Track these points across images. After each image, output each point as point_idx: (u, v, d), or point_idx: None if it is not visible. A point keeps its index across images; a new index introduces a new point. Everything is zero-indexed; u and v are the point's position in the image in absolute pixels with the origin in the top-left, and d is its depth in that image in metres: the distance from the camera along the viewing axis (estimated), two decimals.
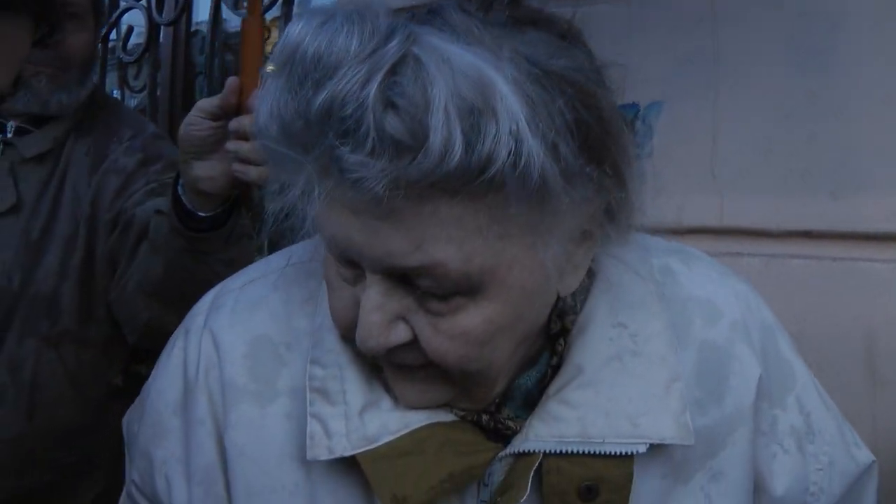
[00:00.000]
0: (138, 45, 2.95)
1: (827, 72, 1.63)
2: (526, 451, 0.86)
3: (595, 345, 0.90)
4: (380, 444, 0.84)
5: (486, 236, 0.74)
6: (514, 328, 0.82)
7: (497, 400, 0.90)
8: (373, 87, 0.66)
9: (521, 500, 0.84)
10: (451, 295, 0.77)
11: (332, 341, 0.89)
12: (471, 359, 0.81)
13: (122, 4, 2.80)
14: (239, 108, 1.40)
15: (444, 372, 0.82)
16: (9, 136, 1.86)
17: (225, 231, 1.54)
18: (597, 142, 0.76)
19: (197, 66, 2.99)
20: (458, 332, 0.79)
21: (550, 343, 0.91)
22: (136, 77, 2.92)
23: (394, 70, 0.67)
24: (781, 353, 1.03)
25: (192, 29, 3.06)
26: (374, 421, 0.86)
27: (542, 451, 0.86)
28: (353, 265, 0.79)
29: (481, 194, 0.71)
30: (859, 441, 1.08)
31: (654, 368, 0.91)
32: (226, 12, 2.97)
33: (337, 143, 0.68)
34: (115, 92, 3.16)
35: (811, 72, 1.64)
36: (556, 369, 0.90)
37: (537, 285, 0.81)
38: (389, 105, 0.66)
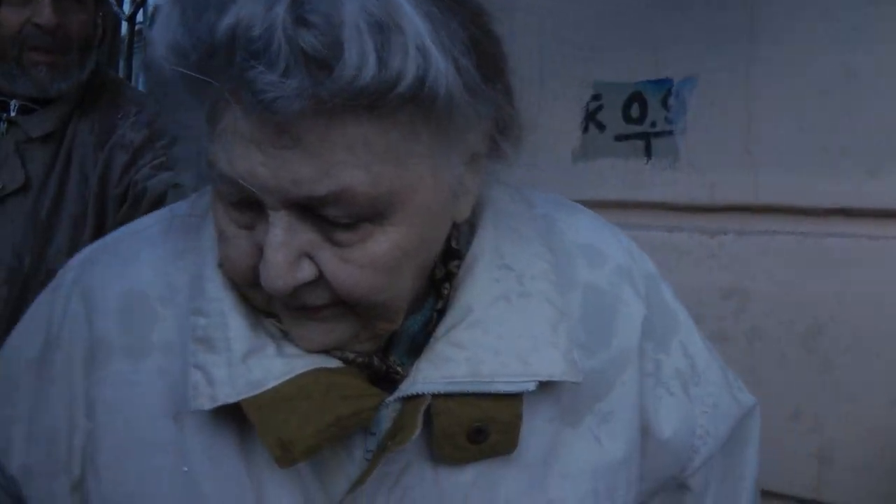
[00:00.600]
0: None
1: (864, 47, 1.61)
2: (414, 393, 0.84)
3: (482, 286, 0.89)
4: (265, 389, 0.82)
5: (393, 158, 0.73)
6: (419, 254, 0.81)
7: (383, 346, 0.89)
8: (281, 7, 0.65)
9: (412, 439, 0.82)
10: (358, 222, 0.75)
11: (213, 289, 0.86)
12: (380, 289, 0.79)
13: None
14: None
15: (347, 309, 0.81)
16: (13, 114, 1.89)
17: None
18: (490, 59, 0.76)
19: None
20: (367, 260, 0.77)
21: (435, 288, 0.90)
22: None
23: None
24: (665, 299, 1.03)
25: None
26: (258, 367, 0.83)
27: (430, 392, 0.84)
28: (250, 207, 0.77)
29: (390, 113, 0.70)
30: (741, 384, 1.09)
31: (541, 308, 0.90)
32: None
33: (249, 64, 0.66)
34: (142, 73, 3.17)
35: (848, 47, 1.62)
36: (442, 314, 0.89)
37: (440, 208, 0.80)
38: (301, 23, 0.65)
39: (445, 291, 0.90)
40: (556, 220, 0.99)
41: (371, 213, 0.75)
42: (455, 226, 0.87)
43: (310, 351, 0.84)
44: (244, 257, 0.80)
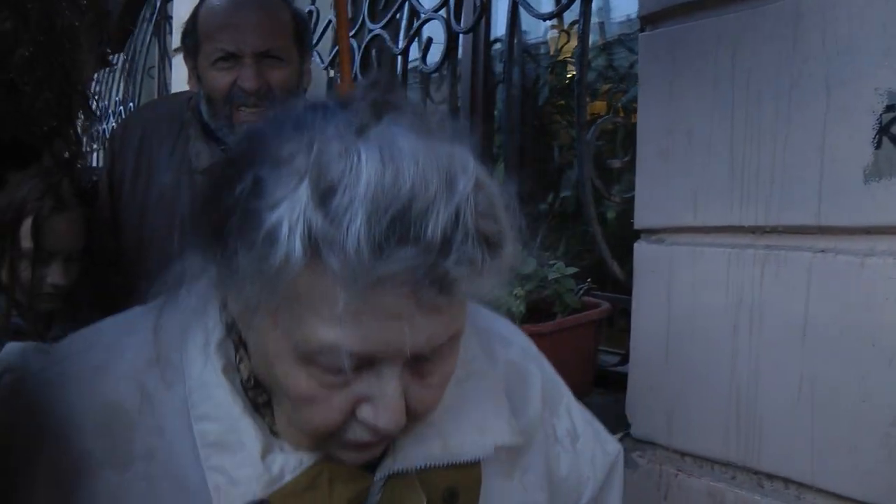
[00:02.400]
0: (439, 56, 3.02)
1: None
2: (398, 470, 1.02)
3: None
4: (285, 481, 0.96)
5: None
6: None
7: None
8: (470, 221, 0.84)
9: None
10: (446, 355, 0.94)
11: (221, 396, 0.98)
12: (439, 399, 0.99)
13: (422, 16, 2.88)
14: None
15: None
16: None
17: None
18: None
19: (496, 75, 3.01)
20: (443, 379, 0.97)
21: None
22: (439, 89, 2.99)
23: (474, 198, 0.85)
24: (551, 373, 1.28)
25: (492, 38, 3.08)
26: (276, 463, 0.97)
27: (413, 468, 1.02)
28: (358, 367, 0.89)
29: None
30: (608, 436, 1.34)
31: (484, 384, 1.12)
32: (525, 20, 2.97)
33: (449, 264, 0.83)
34: None
35: None
36: None
37: None
38: (486, 232, 0.86)
39: None
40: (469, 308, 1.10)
41: (452, 345, 0.94)
42: None
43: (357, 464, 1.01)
44: (337, 414, 0.93)
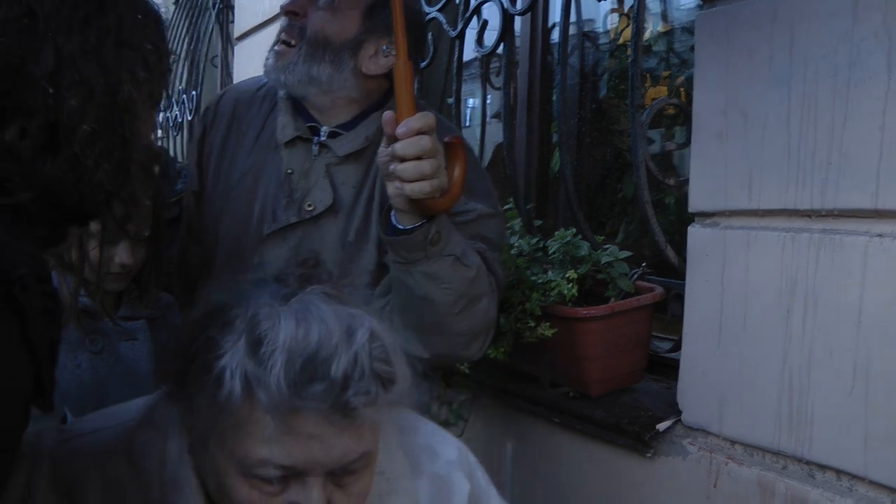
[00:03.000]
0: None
1: None
2: None
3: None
4: None
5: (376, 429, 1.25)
6: None
7: None
8: (365, 363, 1.16)
9: None
10: (361, 470, 1.24)
11: (190, 492, 1.25)
12: None
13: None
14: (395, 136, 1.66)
15: None
16: (323, 138, 2.04)
17: (412, 240, 1.72)
18: None
19: (554, 59, 2.97)
20: (362, 490, 1.27)
21: None
22: (499, 74, 2.96)
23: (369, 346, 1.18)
24: (481, 481, 1.52)
25: (550, 23, 3.05)
26: None
27: None
28: (284, 479, 1.19)
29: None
30: None
31: (403, 499, 1.38)
32: (585, 4, 2.94)
33: (349, 396, 1.15)
34: (477, 90, 3.25)
35: None
36: None
37: None
38: (379, 372, 1.18)
39: None
40: (404, 426, 1.44)
41: (370, 460, 1.26)
42: None
43: None
44: None
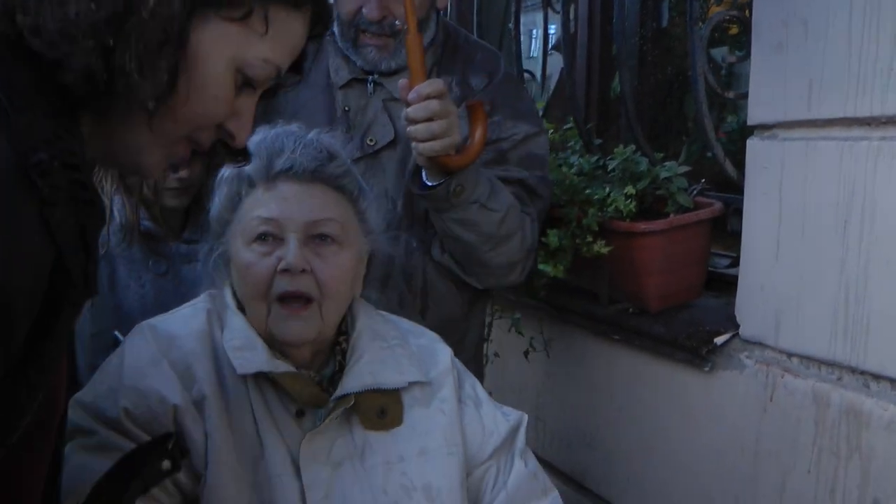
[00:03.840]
0: None
1: None
2: (343, 393, 1.63)
3: (366, 343, 1.71)
4: (281, 370, 1.60)
5: (342, 210, 1.66)
6: (350, 284, 1.68)
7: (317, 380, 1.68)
8: (315, 141, 1.67)
9: (345, 408, 1.62)
10: (333, 241, 1.63)
11: (239, 323, 1.65)
12: (337, 289, 1.64)
13: None
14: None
15: (315, 311, 1.61)
16: (377, 78, 2.17)
17: (436, 195, 1.97)
18: None
19: None
20: (336, 262, 1.63)
21: (333, 354, 1.71)
22: None
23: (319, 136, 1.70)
24: (458, 363, 1.83)
25: None
26: (276, 361, 1.61)
27: (353, 391, 1.64)
28: (271, 241, 1.60)
29: (336, 190, 1.67)
30: (508, 410, 1.83)
31: (401, 350, 1.75)
32: None
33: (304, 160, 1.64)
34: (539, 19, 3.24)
35: None
36: (342, 365, 1.68)
37: (356, 263, 1.69)
38: (326, 146, 1.67)
39: (343, 345, 1.71)
40: (410, 329, 1.84)
41: (339, 238, 1.63)
42: (347, 311, 1.73)
43: (295, 340, 1.63)
44: (265, 271, 1.60)
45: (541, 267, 2.24)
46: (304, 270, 1.60)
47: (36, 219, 0.93)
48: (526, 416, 1.82)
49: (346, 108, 2.19)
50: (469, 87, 2.18)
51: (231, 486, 1.58)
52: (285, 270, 1.59)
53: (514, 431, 1.79)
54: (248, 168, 1.64)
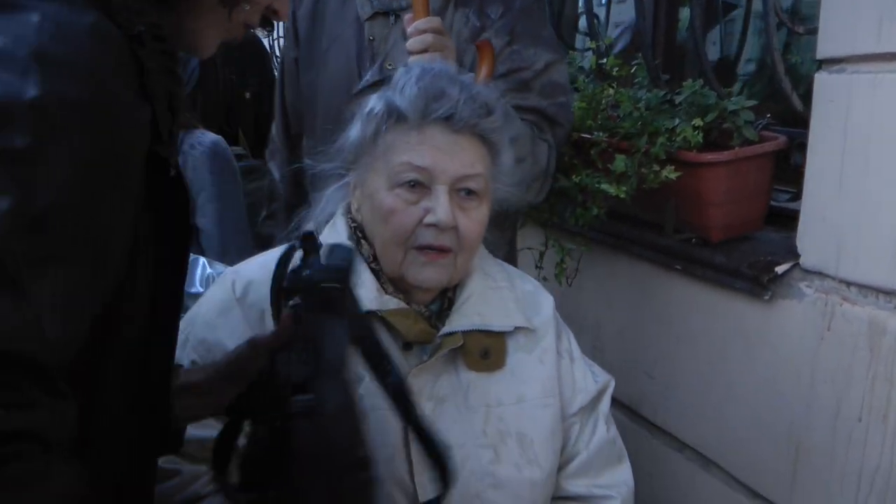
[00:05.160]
0: None
1: None
2: (451, 331, 1.70)
3: (476, 284, 1.77)
4: (389, 307, 1.68)
5: (487, 167, 1.69)
6: (480, 238, 1.73)
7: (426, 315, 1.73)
8: (474, 93, 1.67)
9: (453, 347, 1.69)
10: (476, 196, 1.67)
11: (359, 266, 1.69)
12: (475, 242, 1.71)
13: None
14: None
15: (451, 259, 1.66)
16: (396, 10, 2.32)
17: None
18: None
19: None
20: (478, 218, 1.68)
21: (442, 291, 1.76)
22: None
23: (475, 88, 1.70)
24: (560, 318, 1.90)
25: None
26: (385, 297, 1.68)
27: (461, 330, 1.71)
28: (418, 190, 1.63)
29: (485, 143, 1.69)
30: (597, 370, 1.92)
31: (508, 294, 1.82)
32: None
33: (463, 113, 1.63)
34: None
35: None
36: (451, 301, 1.75)
37: (487, 219, 1.73)
38: (485, 100, 1.68)
39: (453, 285, 1.75)
40: (515, 274, 1.94)
41: (481, 193, 1.68)
42: None
43: (431, 286, 1.70)
44: (411, 220, 1.62)
45: (603, 186, 2.30)
46: (451, 227, 1.62)
47: (137, 83, 1.03)
48: (613, 380, 1.93)
49: (371, 38, 2.36)
50: (487, 17, 2.30)
51: None
52: (432, 224, 1.61)
53: (601, 393, 1.87)
54: (401, 102, 1.63)
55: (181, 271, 1.26)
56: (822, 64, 2.00)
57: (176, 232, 1.21)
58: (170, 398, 1.28)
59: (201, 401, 1.43)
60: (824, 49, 1.99)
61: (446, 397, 1.69)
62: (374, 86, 2.21)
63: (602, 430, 1.85)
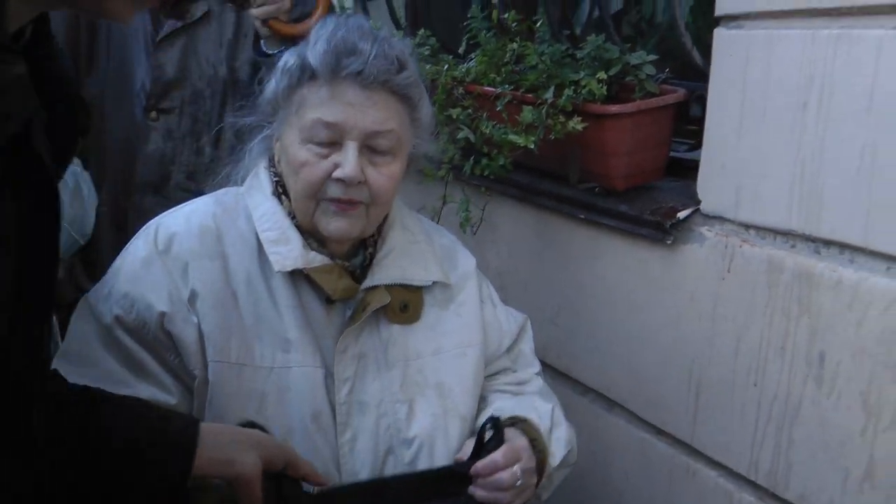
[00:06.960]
0: None
1: None
2: (372, 285, 1.76)
3: (397, 238, 1.83)
4: (315, 264, 1.71)
5: (400, 120, 1.71)
6: (396, 188, 1.75)
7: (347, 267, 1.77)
8: (386, 49, 1.68)
9: (379, 305, 1.75)
10: (387, 153, 1.69)
11: (277, 214, 1.74)
12: (387, 197, 1.73)
13: None
14: None
15: (363, 211, 1.69)
16: None
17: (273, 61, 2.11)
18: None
19: None
20: (389, 173, 1.71)
21: (364, 246, 1.82)
22: None
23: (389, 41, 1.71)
24: (479, 269, 2.04)
25: None
26: (310, 254, 1.72)
27: (383, 284, 1.78)
28: (328, 144, 1.65)
29: (398, 98, 1.71)
30: (515, 313, 2.11)
31: (426, 248, 1.90)
32: None
33: (374, 69, 1.65)
34: None
35: None
36: (373, 255, 1.80)
37: (402, 171, 1.77)
38: (397, 55, 1.70)
39: (374, 235, 1.81)
40: (433, 229, 2.03)
41: (394, 149, 1.71)
42: None
43: (340, 237, 1.72)
44: (320, 173, 1.66)
45: (511, 137, 2.35)
46: (359, 182, 1.65)
47: None
48: (528, 318, 2.15)
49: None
50: None
51: (234, 382, 1.65)
52: (340, 179, 1.65)
53: (522, 330, 2.11)
54: (312, 58, 1.65)
55: (49, 267, 1.16)
56: (720, 20, 2.11)
57: (43, 224, 1.13)
58: (33, 404, 1.17)
59: None
60: (723, 6, 2.09)
61: (367, 353, 1.76)
62: (175, 34, 2.64)
63: (534, 364, 2.12)
